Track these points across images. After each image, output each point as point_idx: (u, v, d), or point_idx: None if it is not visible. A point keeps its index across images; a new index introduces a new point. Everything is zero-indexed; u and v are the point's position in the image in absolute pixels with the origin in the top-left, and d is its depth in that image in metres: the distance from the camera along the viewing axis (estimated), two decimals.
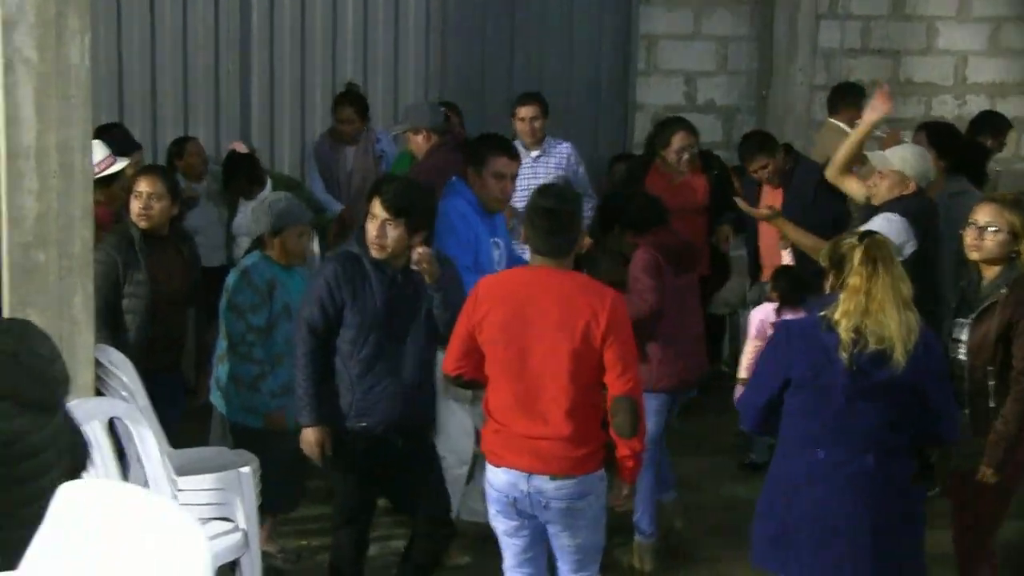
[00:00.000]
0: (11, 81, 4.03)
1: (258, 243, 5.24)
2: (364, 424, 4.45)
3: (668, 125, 7.16)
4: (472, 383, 4.20)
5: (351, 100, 7.37)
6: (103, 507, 1.50)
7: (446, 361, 4.18)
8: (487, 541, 4.71)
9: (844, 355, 3.71)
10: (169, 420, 4.85)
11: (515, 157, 5.41)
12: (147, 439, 4.45)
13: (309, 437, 4.47)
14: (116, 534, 1.47)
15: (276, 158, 8.14)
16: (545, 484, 3.95)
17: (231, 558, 4.57)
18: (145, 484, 4.38)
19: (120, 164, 5.76)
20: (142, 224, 5.13)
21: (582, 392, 3.93)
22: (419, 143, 6.18)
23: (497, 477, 4.04)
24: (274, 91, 8.31)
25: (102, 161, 5.61)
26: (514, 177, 5.38)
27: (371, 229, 4.39)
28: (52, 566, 1.48)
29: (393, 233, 4.37)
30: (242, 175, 6.93)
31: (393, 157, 7.30)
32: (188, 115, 8.10)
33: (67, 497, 1.53)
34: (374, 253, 4.41)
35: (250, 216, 5.73)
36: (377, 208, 4.38)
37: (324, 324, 4.41)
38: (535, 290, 3.98)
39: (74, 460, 2.91)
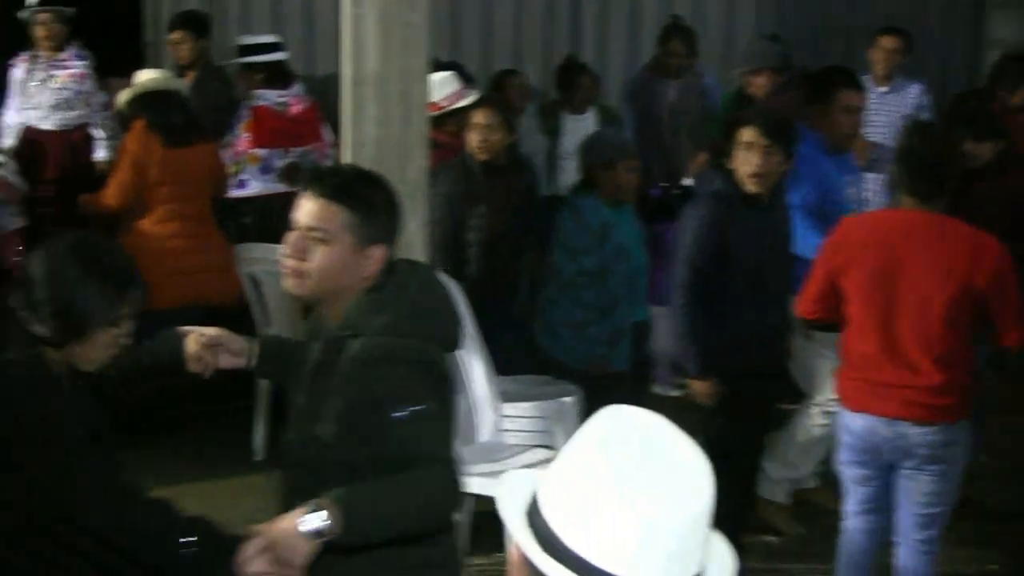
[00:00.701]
0: (358, 12, 4.13)
1: (587, 181, 5.09)
2: (757, 370, 4.29)
3: (1020, 70, 6.62)
4: (828, 326, 4.02)
5: (680, 33, 7.16)
6: (642, 431, 1.50)
7: (802, 303, 4.02)
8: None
9: None
10: (499, 348, 4.79)
11: (862, 89, 5.10)
12: (474, 364, 4.52)
13: (700, 388, 4.33)
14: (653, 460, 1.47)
15: (604, 92, 8.09)
16: (909, 430, 3.77)
17: None
18: (470, 409, 4.47)
19: (470, 97, 5.72)
20: (481, 157, 5.14)
21: (955, 342, 3.73)
22: (760, 84, 5.98)
23: (855, 422, 3.88)
24: (605, 24, 8.25)
25: (453, 94, 5.69)
26: (861, 110, 5.07)
27: (749, 160, 4.20)
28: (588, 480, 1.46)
29: (774, 159, 4.20)
30: (576, 82, 6.93)
31: (719, 94, 7.12)
32: (522, 49, 8.17)
33: (609, 417, 1.53)
34: (751, 186, 4.22)
35: (576, 143, 5.65)
36: (753, 136, 4.19)
37: (707, 267, 4.23)
38: (907, 235, 3.75)
39: None
